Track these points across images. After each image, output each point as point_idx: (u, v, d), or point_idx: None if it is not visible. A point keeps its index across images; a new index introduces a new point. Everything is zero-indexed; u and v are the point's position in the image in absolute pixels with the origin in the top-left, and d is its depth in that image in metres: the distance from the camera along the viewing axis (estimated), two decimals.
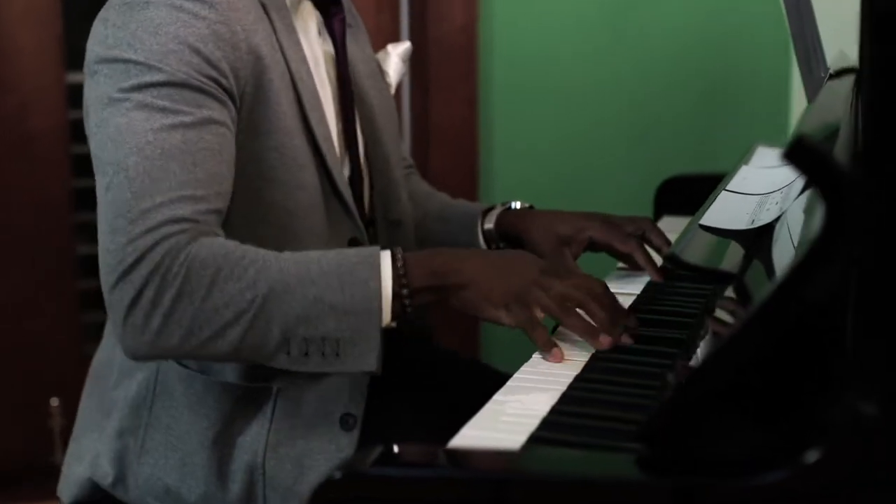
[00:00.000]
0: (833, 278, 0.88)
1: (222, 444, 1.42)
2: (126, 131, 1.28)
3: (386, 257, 1.30)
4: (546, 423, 1.10)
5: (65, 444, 2.52)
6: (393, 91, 1.69)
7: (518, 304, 1.31)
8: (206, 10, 1.33)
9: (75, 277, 2.57)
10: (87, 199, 2.58)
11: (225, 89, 1.34)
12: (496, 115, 2.65)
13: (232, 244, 1.28)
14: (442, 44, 2.56)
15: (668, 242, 1.59)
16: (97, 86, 1.33)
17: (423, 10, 2.58)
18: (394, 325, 1.31)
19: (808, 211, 1.11)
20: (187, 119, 1.29)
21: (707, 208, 1.45)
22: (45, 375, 2.56)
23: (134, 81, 1.30)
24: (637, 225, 1.63)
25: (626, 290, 1.53)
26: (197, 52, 1.31)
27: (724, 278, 1.30)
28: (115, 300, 1.25)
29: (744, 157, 1.74)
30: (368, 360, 1.27)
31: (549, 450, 1.05)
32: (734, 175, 1.62)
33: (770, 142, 1.89)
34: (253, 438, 1.42)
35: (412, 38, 2.56)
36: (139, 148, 1.27)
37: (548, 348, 1.30)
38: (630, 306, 1.47)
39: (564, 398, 1.17)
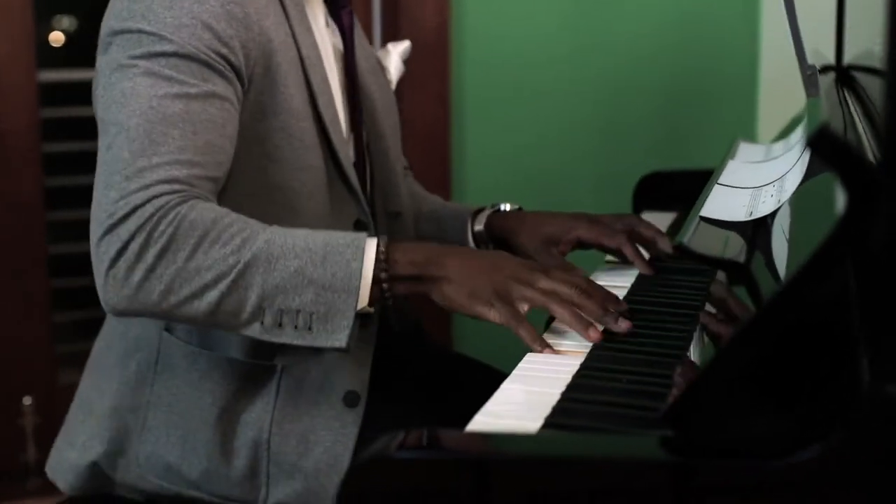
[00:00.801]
0: (858, 261, 0.90)
1: (226, 421, 1.44)
2: (131, 95, 1.30)
3: (371, 242, 1.31)
4: (559, 410, 1.12)
5: (37, 443, 2.51)
6: (393, 87, 1.71)
7: (500, 300, 1.32)
8: None
9: (48, 276, 2.56)
10: (59, 197, 2.56)
11: (234, 67, 1.36)
12: (468, 114, 2.67)
13: (223, 211, 1.30)
14: (414, 44, 2.56)
15: (659, 232, 1.61)
16: (108, 55, 1.35)
17: (396, 11, 2.59)
18: (371, 309, 1.33)
19: (813, 201, 1.13)
20: (192, 90, 1.32)
21: (704, 201, 1.47)
22: (17, 374, 2.54)
23: (144, 49, 1.32)
24: (625, 221, 1.65)
25: (618, 283, 1.55)
26: (209, 27, 1.34)
27: (732, 268, 1.32)
28: (101, 252, 1.27)
29: (728, 152, 1.76)
30: (339, 337, 1.28)
31: (572, 434, 1.06)
32: (723, 169, 1.64)
33: (741, 139, 1.92)
34: (258, 415, 1.43)
35: (384, 39, 2.57)
36: (142, 111, 1.29)
37: (535, 343, 1.31)
38: (623, 297, 1.48)
39: (573, 386, 1.19)
